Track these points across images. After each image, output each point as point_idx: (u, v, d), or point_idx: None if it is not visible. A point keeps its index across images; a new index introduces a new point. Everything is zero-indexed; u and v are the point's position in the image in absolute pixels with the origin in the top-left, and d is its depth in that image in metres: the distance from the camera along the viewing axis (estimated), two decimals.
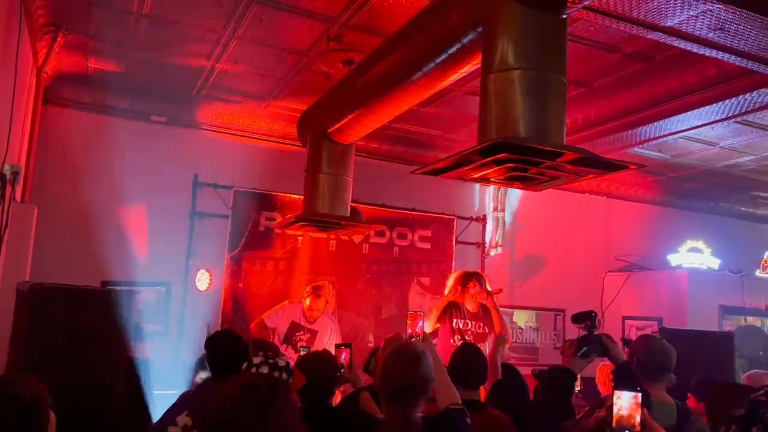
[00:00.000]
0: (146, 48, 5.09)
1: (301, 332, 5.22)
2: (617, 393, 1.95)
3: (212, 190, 5.90)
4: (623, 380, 2.66)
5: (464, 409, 2.43)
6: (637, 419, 1.90)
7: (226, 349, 3.15)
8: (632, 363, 2.82)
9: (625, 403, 1.93)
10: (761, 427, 1.43)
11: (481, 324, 5.22)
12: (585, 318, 2.84)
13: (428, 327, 5.03)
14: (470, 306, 5.22)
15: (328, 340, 5.18)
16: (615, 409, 1.93)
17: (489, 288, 5.26)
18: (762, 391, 1.45)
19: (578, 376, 2.83)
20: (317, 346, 4.93)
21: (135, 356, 3.83)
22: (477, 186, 7.35)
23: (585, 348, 2.75)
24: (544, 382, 2.85)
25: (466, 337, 5.11)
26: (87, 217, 6.05)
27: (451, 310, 5.20)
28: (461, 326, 5.15)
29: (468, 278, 5.26)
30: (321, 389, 2.90)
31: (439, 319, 5.18)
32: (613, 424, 1.91)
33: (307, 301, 5.25)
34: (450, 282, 5.38)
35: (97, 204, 6.13)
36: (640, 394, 1.94)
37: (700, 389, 3.53)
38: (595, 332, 2.80)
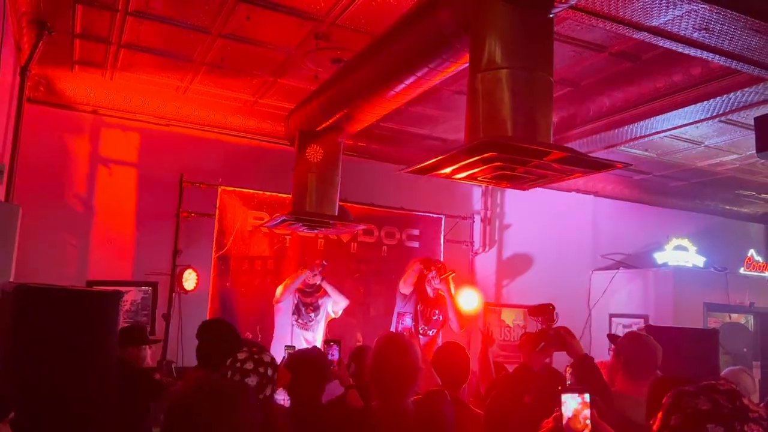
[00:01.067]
0: (132, 46, 5.05)
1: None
2: (563, 397, 1.89)
3: (198, 189, 5.86)
4: (582, 374, 2.65)
5: (442, 390, 2.48)
6: (587, 422, 1.86)
7: (214, 340, 3.12)
8: (619, 361, 2.81)
9: (572, 406, 1.87)
10: (680, 416, 1.40)
11: (437, 311, 5.32)
12: (542, 311, 2.78)
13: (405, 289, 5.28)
14: (430, 292, 5.33)
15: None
16: (564, 413, 1.86)
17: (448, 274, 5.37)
18: (692, 385, 1.46)
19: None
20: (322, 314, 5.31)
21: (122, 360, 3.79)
22: (465, 185, 7.36)
23: (543, 343, 2.68)
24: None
25: (421, 326, 5.28)
26: (72, 216, 6.00)
27: (403, 304, 5.33)
28: (408, 324, 5.22)
29: (426, 265, 5.37)
30: (310, 386, 2.89)
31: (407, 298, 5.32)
32: (563, 430, 1.85)
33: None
34: (410, 269, 5.47)
35: (82, 203, 6.08)
36: (587, 395, 1.89)
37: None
38: (554, 326, 2.73)
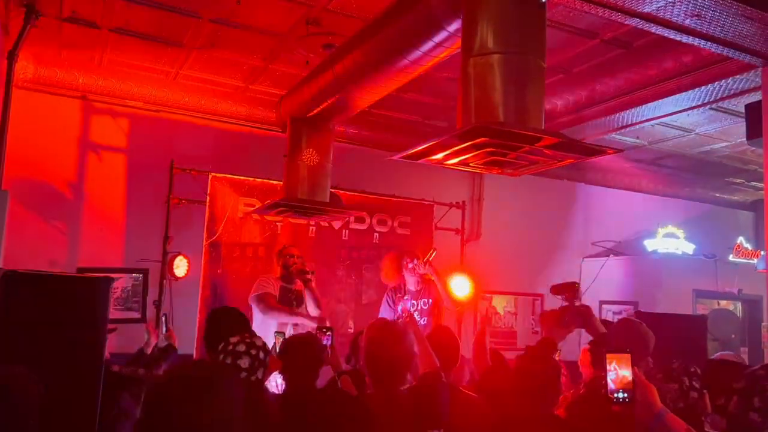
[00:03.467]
0: (121, 31, 5.00)
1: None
2: (609, 356, 1.97)
3: (189, 175, 5.82)
4: (599, 351, 2.69)
5: (438, 371, 2.49)
6: (629, 378, 1.93)
7: (219, 325, 3.14)
8: (607, 336, 2.84)
9: (617, 364, 1.96)
10: (761, 397, 1.53)
11: (426, 300, 5.28)
12: (566, 289, 2.83)
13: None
14: (411, 284, 5.27)
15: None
16: (610, 373, 1.95)
17: (426, 258, 5.30)
18: (758, 366, 1.60)
19: (559, 349, 2.82)
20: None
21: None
22: (456, 173, 7.36)
23: (566, 318, 2.72)
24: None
25: (416, 315, 5.18)
26: (62, 203, 5.96)
27: (393, 294, 5.28)
28: (408, 307, 5.19)
29: (401, 257, 5.31)
30: (304, 371, 2.89)
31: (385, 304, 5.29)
32: (608, 387, 1.93)
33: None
34: (385, 266, 5.44)
35: (72, 190, 6.04)
36: (630, 355, 1.97)
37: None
38: (576, 303, 2.77)
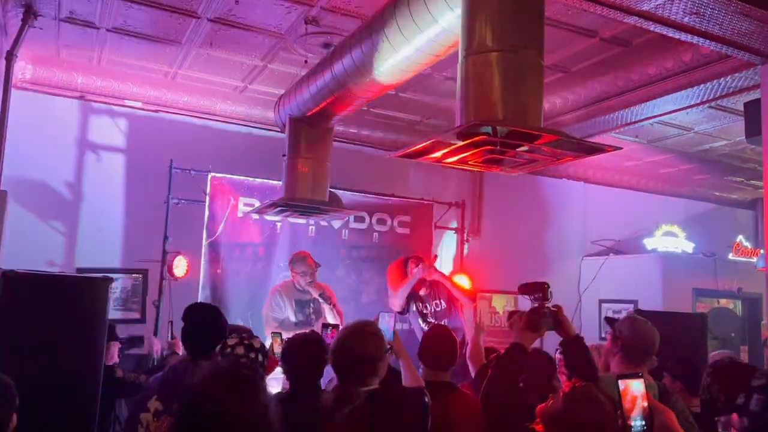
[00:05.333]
0: (119, 30, 4.99)
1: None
2: (622, 382, 1.81)
3: (188, 175, 5.81)
4: (573, 354, 2.62)
5: (423, 389, 2.45)
6: (645, 404, 1.79)
7: (201, 326, 3.08)
8: (617, 344, 2.75)
9: (630, 390, 1.80)
10: None
11: (438, 302, 5.21)
12: (536, 289, 2.64)
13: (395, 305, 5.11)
14: (418, 289, 5.20)
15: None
16: (625, 401, 1.79)
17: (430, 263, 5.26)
18: None
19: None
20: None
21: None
22: (456, 172, 7.36)
23: (536, 321, 2.54)
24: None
25: (429, 319, 5.12)
26: (61, 203, 5.96)
27: (410, 300, 5.19)
28: (422, 310, 5.16)
29: (405, 263, 5.25)
30: (308, 370, 2.86)
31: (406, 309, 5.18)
32: (626, 416, 1.76)
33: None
34: (391, 272, 5.36)
35: (71, 190, 6.04)
36: (643, 380, 1.83)
37: (677, 369, 3.58)
38: (546, 304, 2.60)
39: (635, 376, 1.84)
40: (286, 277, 5.54)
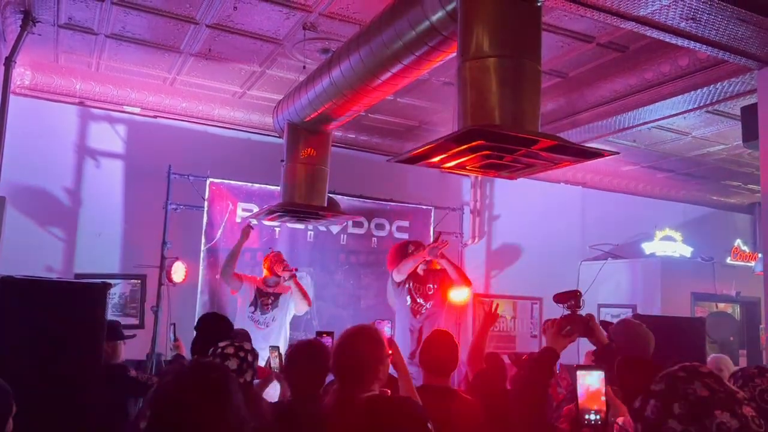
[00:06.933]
0: (118, 36, 5.00)
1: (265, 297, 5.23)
2: (580, 373, 1.85)
3: (187, 181, 5.82)
4: (605, 362, 2.64)
5: (417, 405, 2.44)
6: (602, 398, 1.82)
7: (209, 332, 3.13)
8: (611, 347, 2.78)
9: (589, 382, 1.84)
10: (681, 404, 1.34)
11: (431, 285, 5.34)
12: (569, 297, 2.76)
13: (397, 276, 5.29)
14: (419, 269, 5.34)
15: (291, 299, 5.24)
16: (579, 391, 1.83)
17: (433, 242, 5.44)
18: (677, 366, 1.43)
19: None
20: (282, 307, 5.15)
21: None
22: (454, 177, 7.37)
23: (569, 327, 2.65)
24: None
25: (419, 300, 5.28)
26: (59, 209, 5.96)
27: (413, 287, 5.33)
28: (413, 288, 5.29)
29: (406, 246, 5.42)
30: (309, 379, 2.85)
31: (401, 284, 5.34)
32: (579, 406, 1.81)
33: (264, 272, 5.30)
34: (391, 253, 5.51)
35: (69, 196, 6.04)
36: (603, 372, 1.85)
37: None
38: (578, 312, 2.71)
39: (596, 367, 1.87)
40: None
